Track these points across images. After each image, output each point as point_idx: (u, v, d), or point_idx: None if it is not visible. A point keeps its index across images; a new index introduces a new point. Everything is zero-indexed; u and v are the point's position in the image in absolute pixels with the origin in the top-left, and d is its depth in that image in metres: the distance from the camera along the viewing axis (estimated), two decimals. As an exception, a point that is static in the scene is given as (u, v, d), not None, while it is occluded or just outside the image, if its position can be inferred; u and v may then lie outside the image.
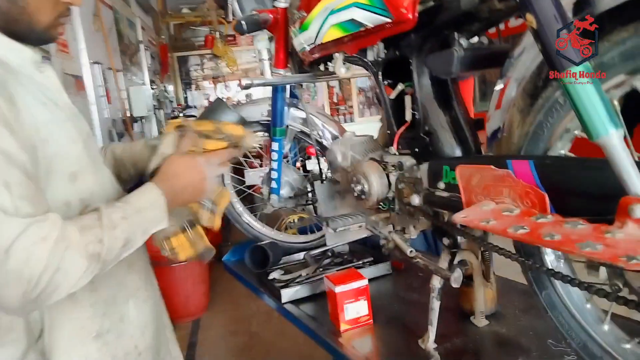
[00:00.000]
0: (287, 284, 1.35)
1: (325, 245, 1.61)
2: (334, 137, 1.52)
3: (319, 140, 1.51)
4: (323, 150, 1.52)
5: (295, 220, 1.85)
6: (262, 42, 1.36)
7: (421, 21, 0.88)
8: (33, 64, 0.77)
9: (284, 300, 1.33)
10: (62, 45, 2.37)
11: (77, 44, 2.58)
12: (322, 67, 1.39)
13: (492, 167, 0.72)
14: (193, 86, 7.37)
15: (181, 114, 5.02)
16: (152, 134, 4.26)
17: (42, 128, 0.72)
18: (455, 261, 0.96)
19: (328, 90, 6.98)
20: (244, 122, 1.13)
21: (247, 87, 1.25)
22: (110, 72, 3.26)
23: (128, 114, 3.58)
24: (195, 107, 6.69)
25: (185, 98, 7.24)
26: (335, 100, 7.06)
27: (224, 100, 1.06)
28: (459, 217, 0.70)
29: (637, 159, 0.60)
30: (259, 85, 1.28)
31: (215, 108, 1.19)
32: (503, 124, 0.80)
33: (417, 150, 0.99)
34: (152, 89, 4.47)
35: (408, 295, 1.30)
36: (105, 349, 0.80)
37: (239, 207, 1.75)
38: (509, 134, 0.79)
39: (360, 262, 1.44)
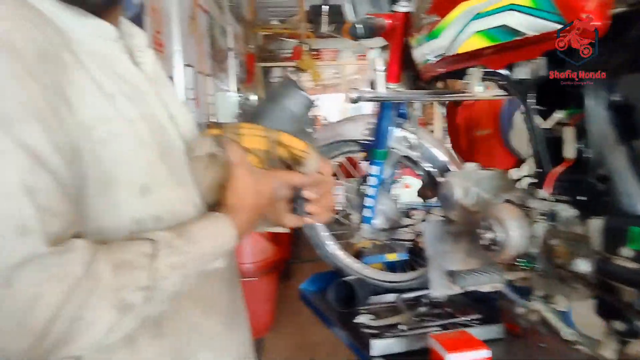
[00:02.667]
0: (378, 334, 1.15)
1: (420, 288, 1.40)
2: (445, 167, 1.31)
3: (427, 169, 1.30)
4: (430, 180, 1.31)
5: (369, 247, 1.66)
6: (376, 51, 1.19)
7: (613, 30, 0.66)
8: (116, 45, 0.65)
9: (373, 352, 1.12)
10: (158, 45, 2.36)
11: (172, 45, 2.57)
12: (440, 84, 1.20)
13: None
14: (273, 98, 7.44)
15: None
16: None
17: (100, 124, 0.57)
18: (628, 350, 0.71)
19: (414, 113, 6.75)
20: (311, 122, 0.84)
21: (355, 101, 1.08)
22: (200, 76, 3.26)
23: (213, 119, 3.57)
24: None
25: (266, 108, 7.31)
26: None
27: (295, 80, 0.80)
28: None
29: None
30: (369, 100, 1.11)
31: (283, 93, 0.81)
32: None
33: (582, 198, 0.76)
34: (237, 96, 4.48)
35: (529, 370, 1.05)
36: None
37: (324, 232, 1.58)
38: None
39: (466, 319, 1.20)
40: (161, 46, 2.43)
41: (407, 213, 1.51)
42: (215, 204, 0.70)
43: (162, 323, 0.62)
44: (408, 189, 2.01)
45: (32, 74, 0.51)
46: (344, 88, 7.31)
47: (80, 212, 0.55)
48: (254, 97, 6.16)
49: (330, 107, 7.47)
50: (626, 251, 0.65)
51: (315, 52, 6.75)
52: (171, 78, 2.58)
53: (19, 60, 0.50)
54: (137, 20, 2.05)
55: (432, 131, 6.68)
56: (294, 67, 6.70)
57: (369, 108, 1.65)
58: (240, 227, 0.64)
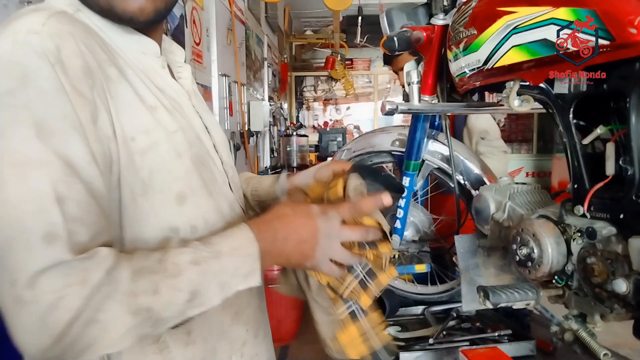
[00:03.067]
0: (407, 346, 1.14)
1: (448, 301, 1.39)
2: (479, 180, 1.30)
3: (461, 182, 1.29)
4: (463, 193, 1.30)
5: (397, 257, 1.64)
6: (411, 63, 1.19)
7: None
8: (159, 60, 0.68)
9: (401, 365, 1.12)
10: (197, 56, 2.43)
11: (210, 56, 2.64)
12: (475, 97, 1.19)
13: None
14: (304, 106, 7.51)
15: (294, 133, 5.04)
16: (264, 150, 4.30)
17: (140, 135, 0.60)
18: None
19: (448, 126, 6.67)
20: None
21: (390, 113, 1.08)
22: (235, 85, 3.33)
23: (246, 128, 3.63)
24: (305, 126, 6.77)
25: (297, 117, 7.38)
26: (448, 134, 6.73)
27: (389, 172, 0.78)
28: None
29: None
30: (403, 111, 1.11)
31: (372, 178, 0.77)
32: None
33: (621, 217, 0.74)
34: (270, 105, 4.55)
35: (561, 391, 1.03)
36: None
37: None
38: None
39: (496, 335, 1.18)
40: (200, 57, 2.49)
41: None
42: None
43: (192, 330, 0.64)
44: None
45: (76, 88, 0.54)
46: (376, 97, 7.31)
47: (112, 221, 0.58)
48: (285, 106, 6.24)
49: (363, 116, 7.49)
50: (668, 272, 0.64)
51: (348, 62, 6.79)
52: (207, 87, 2.65)
53: (64, 74, 0.53)
54: (178, 32, 2.12)
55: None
56: (326, 76, 6.76)
57: (400, 119, 1.64)
58: (263, 237, 0.62)
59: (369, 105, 7.49)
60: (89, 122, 0.54)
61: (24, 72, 0.51)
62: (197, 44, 2.43)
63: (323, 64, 6.30)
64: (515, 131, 6.78)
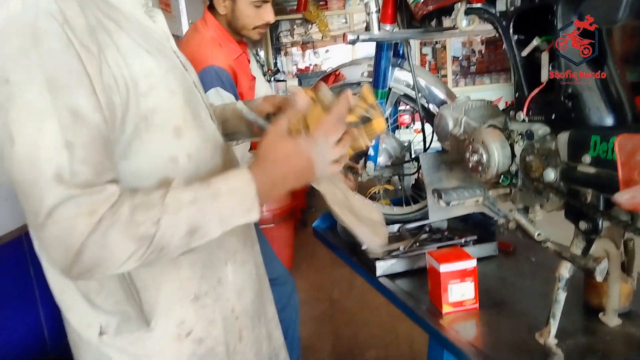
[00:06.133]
0: (382, 257, 1.27)
1: (422, 219, 1.51)
2: (442, 103, 1.39)
3: (425, 105, 1.38)
4: (429, 116, 1.39)
5: (381, 192, 1.75)
6: (370, -6, 1.24)
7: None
8: (143, 8, 0.73)
9: (378, 273, 1.25)
10: (165, 5, 2.41)
11: (178, 4, 2.62)
12: (433, 23, 1.26)
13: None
14: (282, 52, 7.38)
15: (272, 79, 5.04)
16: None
17: (142, 79, 0.67)
18: (594, 249, 0.81)
19: (420, 57, 6.65)
20: None
21: (352, 43, 1.15)
22: (208, 34, 3.30)
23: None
24: (284, 72, 6.71)
25: (275, 63, 7.28)
26: (427, 68, 6.72)
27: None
28: (624, 198, 0.57)
29: None
30: (364, 40, 1.18)
31: None
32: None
33: (553, 117, 0.84)
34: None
35: (518, 281, 1.17)
36: (202, 311, 0.77)
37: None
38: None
39: (463, 240, 1.31)
40: (168, 6, 2.48)
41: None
42: None
43: None
44: (419, 134, 2.08)
45: (83, 44, 0.61)
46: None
47: (117, 158, 0.66)
48: (262, 53, 6.15)
49: (342, 58, 7.39)
50: (587, 158, 0.74)
51: (322, 2, 6.63)
52: (178, 37, 2.64)
53: (72, 32, 0.60)
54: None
55: (444, 75, 6.61)
56: (301, 19, 6.61)
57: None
58: (260, 179, 0.69)
59: (347, 47, 7.38)
60: (96, 74, 0.62)
61: (35, 33, 0.58)
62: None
63: (296, 7, 6.15)
64: (493, 61, 6.79)
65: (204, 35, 1.53)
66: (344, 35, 1.14)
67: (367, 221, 0.87)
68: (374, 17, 1.19)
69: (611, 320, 0.93)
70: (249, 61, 1.67)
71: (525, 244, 1.28)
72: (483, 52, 6.87)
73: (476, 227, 1.43)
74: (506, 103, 6.51)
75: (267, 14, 1.54)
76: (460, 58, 6.95)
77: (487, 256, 1.29)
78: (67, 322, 0.78)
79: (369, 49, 1.43)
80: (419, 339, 2.28)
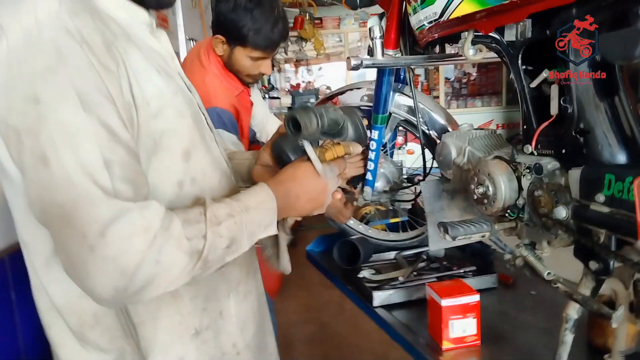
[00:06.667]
0: (379, 286, 1.23)
1: (419, 246, 1.48)
2: (443, 130, 1.37)
3: (427, 132, 1.36)
4: (429, 143, 1.37)
5: (373, 212, 1.73)
6: (374, 19, 1.23)
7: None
8: (148, 29, 0.70)
9: (375, 303, 1.21)
10: (162, 20, 2.39)
11: (175, 20, 2.60)
12: (437, 49, 1.24)
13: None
14: (276, 68, 7.40)
15: (266, 96, 5.02)
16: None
17: (153, 100, 0.64)
18: (603, 289, 0.79)
19: (412, 78, 6.69)
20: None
21: (355, 68, 1.13)
22: (203, 49, 3.28)
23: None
24: (277, 89, 6.70)
25: (269, 80, 7.29)
26: (419, 89, 6.77)
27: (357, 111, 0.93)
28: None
29: None
30: (368, 66, 1.16)
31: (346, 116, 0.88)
32: None
33: (563, 151, 0.82)
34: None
35: (520, 315, 1.14)
36: (203, 347, 0.73)
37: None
38: None
39: (462, 271, 1.28)
40: (165, 21, 2.46)
41: (411, 178, 1.58)
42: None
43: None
44: (411, 155, 2.06)
45: (102, 63, 0.58)
46: (347, 56, 7.25)
47: (146, 178, 0.64)
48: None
49: (335, 76, 7.43)
50: (600, 197, 0.72)
51: (317, 21, 6.68)
52: (176, 53, 2.62)
53: (91, 51, 0.58)
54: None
55: (436, 97, 6.65)
56: (296, 36, 6.64)
57: (372, 75, 1.69)
58: (278, 195, 0.72)
59: (340, 65, 7.43)
60: (118, 92, 0.59)
61: (58, 50, 0.55)
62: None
63: (292, 25, 6.19)
64: (485, 84, 6.87)
65: (207, 70, 1.50)
66: (347, 59, 1.12)
67: None
68: (378, 42, 1.17)
69: (618, 362, 0.90)
70: (249, 94, 1.65)
71: (525, 277, 1.25)
72: (475, 74, 6.95)
73: (474, 256, 1.41)
74: (497, 126, 6.60)
75: (265, 68, 1.53)
76: (452, 80, 7.03)
77: (486, 288, 1.26)
78: (57, 357, 0.74)
79: (364, 70, 1.42)
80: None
